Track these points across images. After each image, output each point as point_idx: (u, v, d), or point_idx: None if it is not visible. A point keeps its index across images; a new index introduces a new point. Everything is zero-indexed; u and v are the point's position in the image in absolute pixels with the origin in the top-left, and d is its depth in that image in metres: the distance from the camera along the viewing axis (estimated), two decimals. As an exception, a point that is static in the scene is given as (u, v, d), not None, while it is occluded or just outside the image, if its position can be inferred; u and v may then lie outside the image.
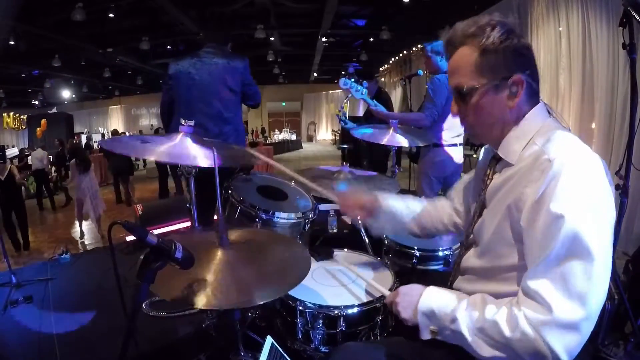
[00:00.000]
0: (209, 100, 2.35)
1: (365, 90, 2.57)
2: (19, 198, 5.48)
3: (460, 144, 2.76)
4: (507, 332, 0.76)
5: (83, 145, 12.46)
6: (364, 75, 4.01)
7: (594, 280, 0.71)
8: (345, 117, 3.58)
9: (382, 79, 14.28)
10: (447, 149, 2.71)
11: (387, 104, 3.80)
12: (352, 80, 2.49)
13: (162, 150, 1.33)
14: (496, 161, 0.95)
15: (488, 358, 0.80)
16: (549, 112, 0.92)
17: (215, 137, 2.37)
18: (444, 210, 1.28)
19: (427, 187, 2.77)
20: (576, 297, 0.71)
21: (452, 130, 2.69)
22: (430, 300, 0.91)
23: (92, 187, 5.43)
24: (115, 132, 11.88)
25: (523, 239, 0.82)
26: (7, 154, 6.06)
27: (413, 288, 0.98)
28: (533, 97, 0.89)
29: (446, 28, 0.92)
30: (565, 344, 0.71)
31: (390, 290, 1.31)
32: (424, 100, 2.79)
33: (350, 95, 2.68)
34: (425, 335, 0.91)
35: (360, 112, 14.84)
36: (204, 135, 2.36)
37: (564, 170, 0.75)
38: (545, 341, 0.71)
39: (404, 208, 1.29)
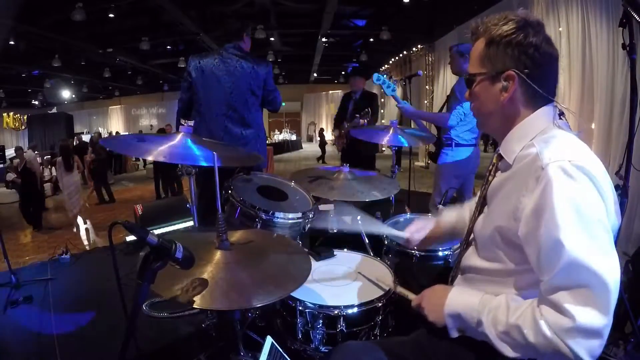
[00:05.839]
0: (233, 103, 2.36)
1: (395, 87, 2.63)
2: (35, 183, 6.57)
3: (476, 145, 2.78)
4: (530, 337, 0.77)
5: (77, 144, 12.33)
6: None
7: (604, 294, 0.72)
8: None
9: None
10: (467, 148, 2.72)
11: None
12: (384, 76, 2.57)
13: (162, 150, 1.32)
14: (499, 158, 0.96)
15: (512, 357, 0.81)
16: (560, 116, 0.92)
17: (237, 140, 2.39)
18: None
19: (445, 185, 2.74)
20: (597, 306, 0.72)
21: (473, 131, 2.70)
22: (456, 303, 0.92)
23: (70, 185, 6.16)
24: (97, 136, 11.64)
25: (524, 248, 0.82)
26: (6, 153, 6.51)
27: (436, 290, 0.99)
28: (535, 99, 0.88)
29: (477, 20, 0.93)
30: (588, 348, 0.72)
31: (390, 289, 1.31)
32: (446, 100, 2.80)
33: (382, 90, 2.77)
34: (454, 334, 0.93)
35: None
36: (227, 138, 2.37)
37: (555, 181, 0.75)
38: (569, 346, 0.72)
39: (460, 217, 1.27)
